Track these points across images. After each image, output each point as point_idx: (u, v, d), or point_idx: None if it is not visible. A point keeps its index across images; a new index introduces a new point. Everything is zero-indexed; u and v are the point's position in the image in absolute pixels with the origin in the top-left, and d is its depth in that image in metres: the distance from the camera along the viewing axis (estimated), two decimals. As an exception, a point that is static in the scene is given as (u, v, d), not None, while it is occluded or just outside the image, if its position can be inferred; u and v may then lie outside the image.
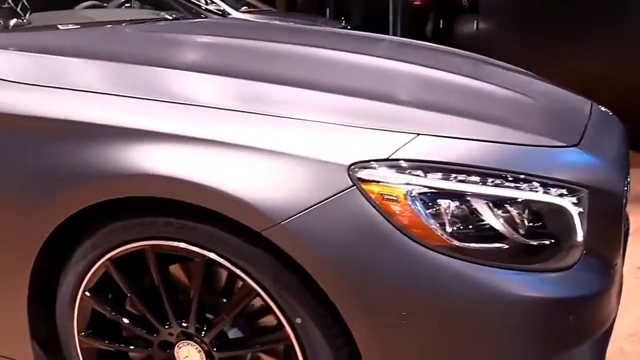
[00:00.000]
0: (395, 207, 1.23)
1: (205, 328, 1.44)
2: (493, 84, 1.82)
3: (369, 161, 1.25)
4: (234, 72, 1.63)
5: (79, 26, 2.04)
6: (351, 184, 1.24)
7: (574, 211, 1.28)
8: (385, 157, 1.26)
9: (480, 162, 1.28)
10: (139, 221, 1.38)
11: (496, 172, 1.27)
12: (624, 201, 1.55)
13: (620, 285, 1.54)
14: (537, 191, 1.27)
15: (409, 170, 1.25)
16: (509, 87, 1.80)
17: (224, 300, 1.47)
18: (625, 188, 1.55)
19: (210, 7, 3.43)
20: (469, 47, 2.61)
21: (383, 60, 1.99)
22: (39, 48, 1.67)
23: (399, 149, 1.27)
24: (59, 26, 1.98)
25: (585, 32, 4.80)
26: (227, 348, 1.45)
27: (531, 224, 1.26)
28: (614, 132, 1.76)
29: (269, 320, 1.46)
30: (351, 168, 1.24)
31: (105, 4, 2.77)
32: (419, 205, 1.23)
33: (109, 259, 1.43)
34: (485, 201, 1.24)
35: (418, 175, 1.25)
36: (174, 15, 2.56)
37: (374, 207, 1.23)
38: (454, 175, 1.26)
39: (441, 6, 8.20)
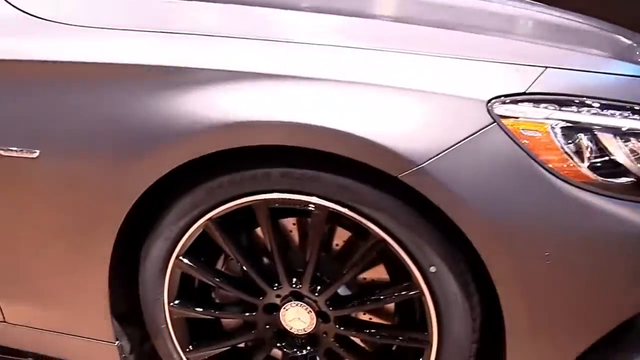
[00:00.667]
0: (537, 143, 1.18)
1: (319, 288, 1.35)
2: (581, 22, 1.83)
3: (507, 95, 1.20)
4: (355, 12, 1.54)
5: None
6: (491, 120, 1.18)
7: None
8: (522, 91, 1.21)
9: (606, 94, 1.25)
10: (250, 174, 1.26)
11: (622, 103, 1.25)
12: None
13: None
14: None
15: (546, 105, 1.20)
16: (595, 25, 1.80)
17: (344, 256, 1.38)
18: None
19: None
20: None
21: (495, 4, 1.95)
22: None
23: (532, 84, 1.22)
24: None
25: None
26: (343, 306, 1.37)
27: None
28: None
29: (376, 275, 1.40)
30: (489, 104, 1.18)
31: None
32: (561, 141, 1.19)
33: (209, 218, 1.31)
34: (614, 134, 1.22)
35: (554, 110, 1.20)
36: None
37: (516, 144, 1.18)
38: (586, 108, 1.22)
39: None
